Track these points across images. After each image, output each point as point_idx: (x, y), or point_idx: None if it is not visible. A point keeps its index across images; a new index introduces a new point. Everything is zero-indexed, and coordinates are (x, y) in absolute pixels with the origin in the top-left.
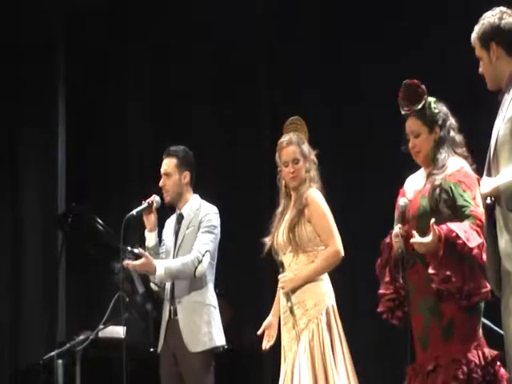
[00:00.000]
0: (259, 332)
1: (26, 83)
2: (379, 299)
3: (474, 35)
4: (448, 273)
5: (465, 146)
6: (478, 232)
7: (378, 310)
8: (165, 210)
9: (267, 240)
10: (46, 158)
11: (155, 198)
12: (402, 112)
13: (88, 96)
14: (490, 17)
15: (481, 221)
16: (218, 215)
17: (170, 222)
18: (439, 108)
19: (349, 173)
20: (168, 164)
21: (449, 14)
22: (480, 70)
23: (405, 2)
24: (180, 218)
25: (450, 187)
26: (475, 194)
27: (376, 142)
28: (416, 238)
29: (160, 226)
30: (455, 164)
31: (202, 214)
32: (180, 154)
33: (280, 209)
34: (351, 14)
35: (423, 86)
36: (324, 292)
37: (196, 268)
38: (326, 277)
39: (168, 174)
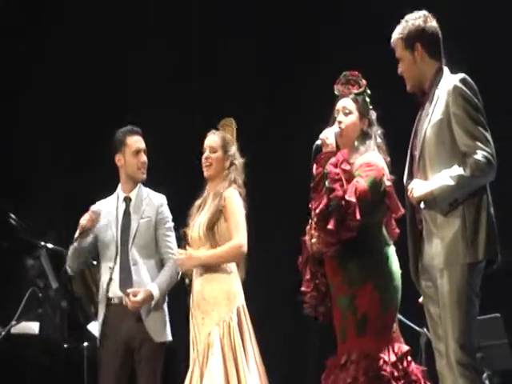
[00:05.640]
0: None
1: None
2: (302, 296)
3: (396, 36)
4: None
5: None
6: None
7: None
8: None
9: (187, 230)
10: None
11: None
12: (338, 93)
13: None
14: (415, 19)
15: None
16: None
17: (110, 204)
18: (372, 111)
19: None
20: (142, 142)
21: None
22: (400, 70)
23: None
24: (128, 201)
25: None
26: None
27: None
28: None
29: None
30: (370, 156)
31: (155, 204)
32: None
33: (198, 201)
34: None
35: (364, 80)
36: (234, 291)
37: (178, 274)
38: (236, 276)
39: (145, 151)
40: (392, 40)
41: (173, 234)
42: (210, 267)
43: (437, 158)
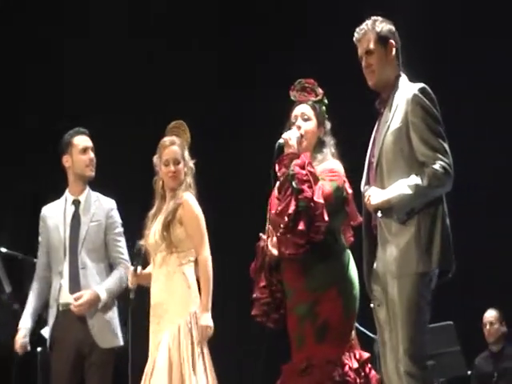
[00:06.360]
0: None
1: None
2: (254, 302)
3: (367, 28)
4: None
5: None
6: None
7: (252, 313)
8: None
9: (142, 243)
10: None
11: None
12: (295, 99)
13: None
14: (385, 21)
15: (326, 195)
16: None
17: (58, 207)
18: (327, 121)
19: (222, 177)
20: (89, 140)
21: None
22: (367, 63)
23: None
24: (77, 203)
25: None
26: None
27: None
28: None
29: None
30: (331, 163)
31: (106, 208)
32: None
33: (153, 211)
34: None
35: (320, 89)
36: (192, 298)
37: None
38: (193, 283)
39: (93, 149)
40: (360, 33)
41: (123, 239)
42: (167, 273)
43: (394, 166)
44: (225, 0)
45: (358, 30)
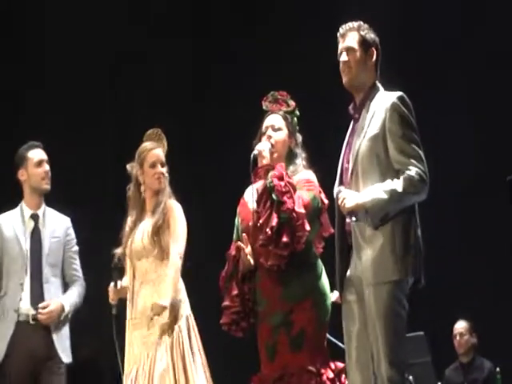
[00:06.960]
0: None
1: None
2: (223, 311)
3: (353, 27)
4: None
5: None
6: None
7: (221, 321)
8: None
9: (119, 250)
10: None
11: None
12: (267, 109)
13: None
14: (370, 29)
15: (305, 205)
16: None
17: (14, 218)
18: (298, 133)
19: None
20: (44, 153)
21: None
22: (345, 59)
23: None
24: (36, 218)
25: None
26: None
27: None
28: None
29: None
30: (306, 174)
31: (64, 225)
32: None
33: (133, 218)
34: None
35: (292, 101)
36: (182, 300)
37: (83, 296)
38: (182, 286)
39: (48, 161)
40: (345, 29)
41: (78, 258)
42: (157, 277)
43: (370, 172)
44: (225, 0)
45: (343, 26)
